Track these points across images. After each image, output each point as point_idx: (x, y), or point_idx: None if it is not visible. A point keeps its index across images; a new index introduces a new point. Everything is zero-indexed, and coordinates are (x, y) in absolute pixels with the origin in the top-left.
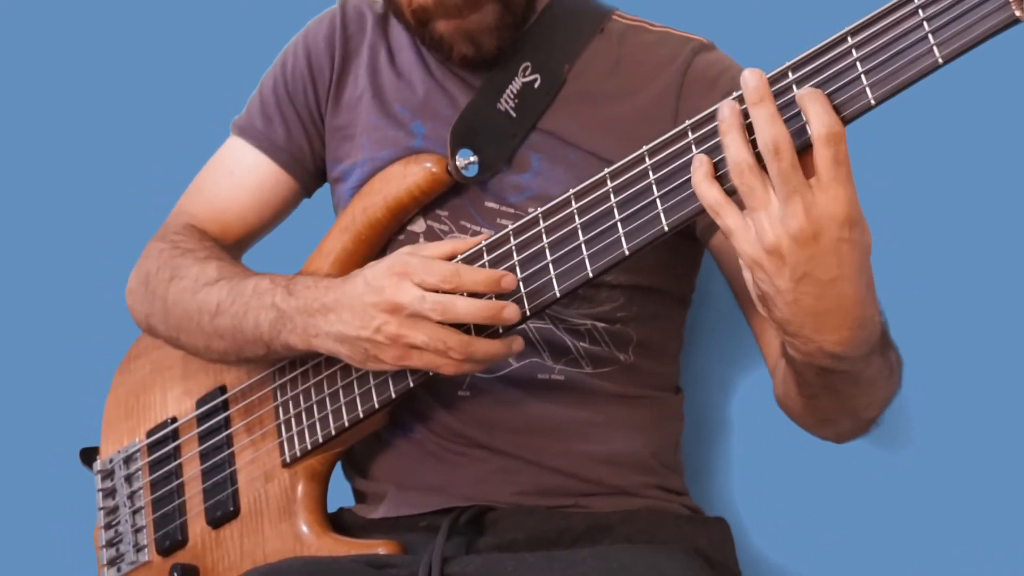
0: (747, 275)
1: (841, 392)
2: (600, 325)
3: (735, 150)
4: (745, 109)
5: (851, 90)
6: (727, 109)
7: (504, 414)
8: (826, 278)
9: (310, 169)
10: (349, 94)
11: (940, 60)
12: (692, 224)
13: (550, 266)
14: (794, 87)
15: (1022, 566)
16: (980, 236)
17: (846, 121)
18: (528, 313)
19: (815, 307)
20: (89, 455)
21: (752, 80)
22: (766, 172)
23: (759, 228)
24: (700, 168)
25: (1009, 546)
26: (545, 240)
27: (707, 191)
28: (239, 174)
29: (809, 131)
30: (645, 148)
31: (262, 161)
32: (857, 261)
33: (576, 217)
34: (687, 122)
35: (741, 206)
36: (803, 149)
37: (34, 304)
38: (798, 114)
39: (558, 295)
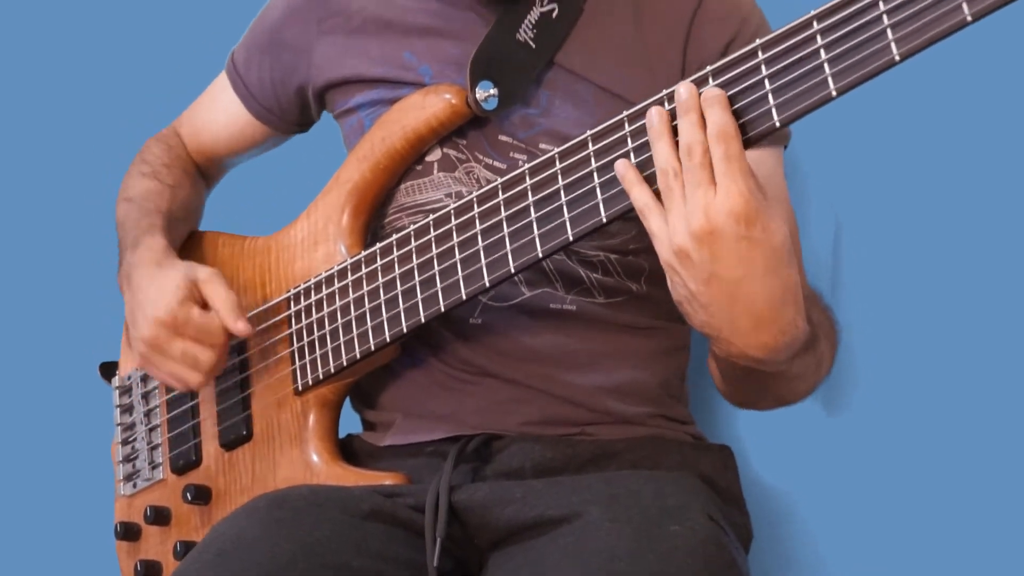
0: (668, 282)
1: (764, 384)
2: (613, 256)
3: (663, 156)
4: (673, 110)
5: (758, 108)
6: (655, 117)
7: (514, 343)
8: (731, 278)
9: (280, 119)
10: (348, 44)
11: (834, 93)
12: None
13: (564, 208)
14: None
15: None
16: (961, 233)
17: (752, 141)
18: (541, 256)
19: (728, 310)
20: (109, 369)
21: (684, 93)
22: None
23: (672, 229)
24: (629, 171)
25: (1003, 481)
26: (561, 182)
27: (638, 193)
28: (218, 108)
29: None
30: (589, 133)
31: (235, 102)
32: (761, 261)
33: (592, 160)
34: (624, 112)
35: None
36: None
37: (48, 226)
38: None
39: (571, 239)
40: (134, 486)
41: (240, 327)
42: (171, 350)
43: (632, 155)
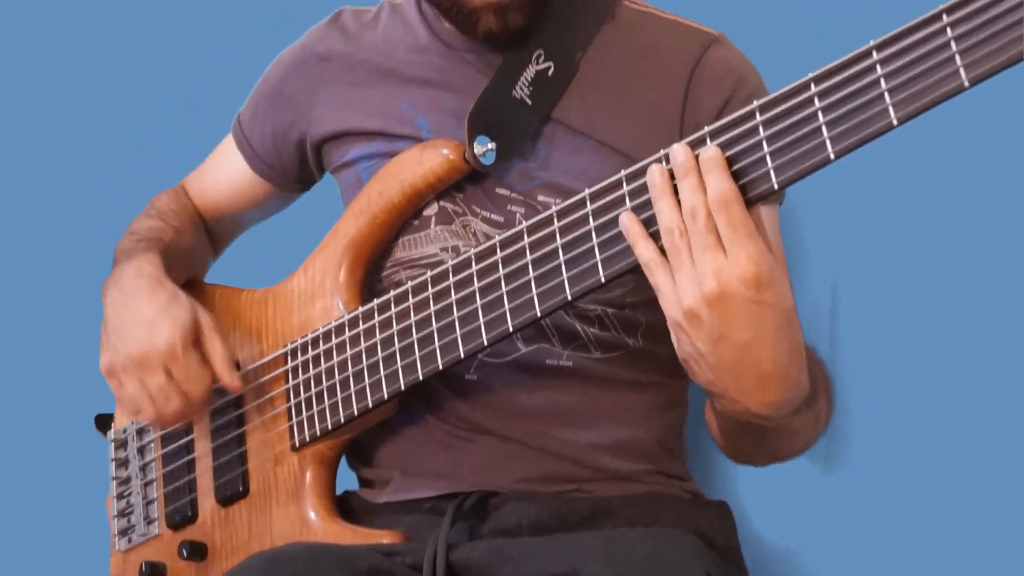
0: (673, 338)
1: (763, 439)
2: (610, 311)
3: (667, 215)
4: (672, 170)
5: (756, 170)
6: (657, 176)
7: (510, 400)
8: (741, 340)
9: (281, 176)
10: (347, 97)
11: (832, 155)
12: None
13: (562, 267)
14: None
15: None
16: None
17: (750, 203)
18: (539, 315)
19: (735, 370)
20: (104, 421)
21: (680, 155)
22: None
23: (680, 289)
24: (635, 225)
25: (1005, 536)
26: (559, 241)
27: (644, 249)
28: (223, 167)
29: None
30: (588, 191)
31: (239, 160)
32: (773, 324)
33: (591, 219)
34: (623, 172)
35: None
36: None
37: (47, 272)
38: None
39: (569, 298)
40: (129, 541)
41: (235, 382)
42: (149, 380)
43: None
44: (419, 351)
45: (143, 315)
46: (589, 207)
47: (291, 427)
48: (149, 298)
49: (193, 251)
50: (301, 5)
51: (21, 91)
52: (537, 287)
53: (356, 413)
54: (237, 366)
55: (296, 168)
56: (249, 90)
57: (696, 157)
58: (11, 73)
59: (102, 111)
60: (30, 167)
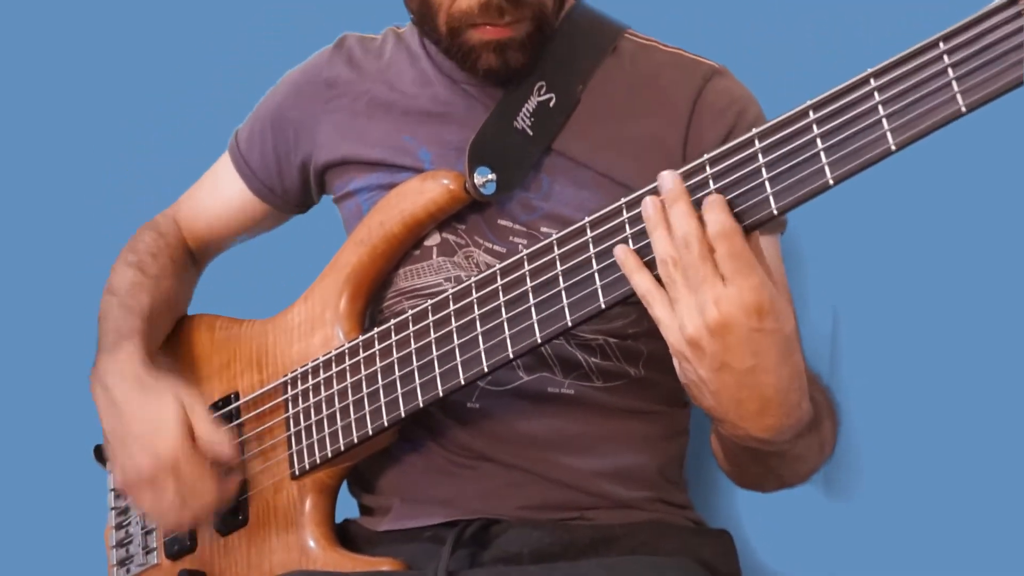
0: (676, 365)
1: (768, 464)
2: (612, 340)
3: (661, 245)
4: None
5: (755, 196)
6: (650, 207)
7: (512, 428)
8: (743, 367)
9: (282, 199)
10: (351, 125)
11: (831, 181)
12: None
13: (563, 294)
14: (710, 182)
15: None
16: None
17: (750, 229)
18: (540, 341)
19: (736, 396)
20: (103, 452)
21: (668, 182)
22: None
23: (680, 319)
24: (629, 257)
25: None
26: (559, 268)
27: (639, 280)
28: (219, 187)
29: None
30: (588, 220)
31: (236, 180)
32: (775, 351)
33: (591, 246)
34: (622, 200)
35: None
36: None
37: (46, 298)
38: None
39: (570, 325)
40: (127, 571)
41: (229, 453)
42: (166, 490)
43: (630, 241)
44: (419, 378)
45: (139, 430)
46: (589, 234)
47: (291, 455)
48: (139, 407)
49: (173, 296)
50: (301, 11)
51: (22, 93)
52: (537, 313)
53: (356, 440)
54: (236, 396)
55: (298, 191)
56: (246, 92)
57: (684, 183)
58: (11, 75)
59: (102, 113)
60: (30, 170)
